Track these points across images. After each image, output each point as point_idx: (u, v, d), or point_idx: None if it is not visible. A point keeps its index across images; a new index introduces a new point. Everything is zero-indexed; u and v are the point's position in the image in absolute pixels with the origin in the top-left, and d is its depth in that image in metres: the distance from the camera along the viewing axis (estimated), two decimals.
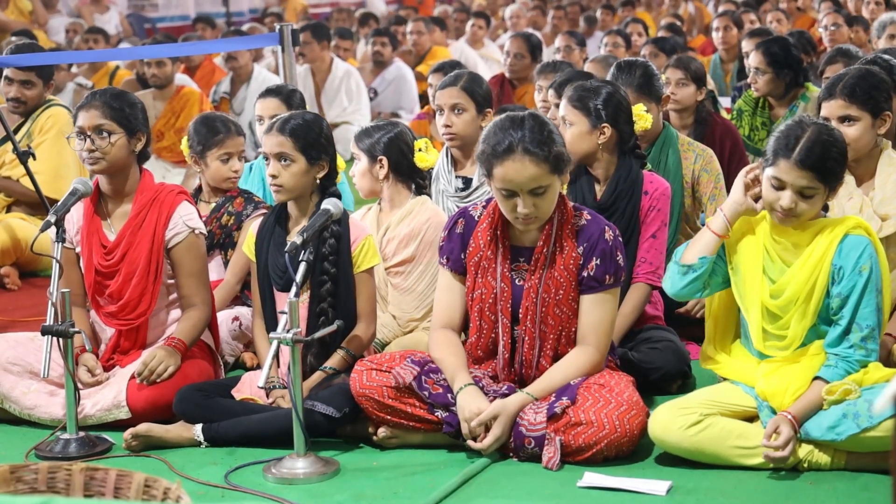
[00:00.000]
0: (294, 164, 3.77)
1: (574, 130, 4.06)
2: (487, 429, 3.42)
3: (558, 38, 8.57)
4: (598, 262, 3.50)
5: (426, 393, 3.51)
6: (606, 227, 3.55)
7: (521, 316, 3.51)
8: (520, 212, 3.43)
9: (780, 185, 3.32)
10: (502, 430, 3.40)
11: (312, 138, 3.79)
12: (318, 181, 3.83)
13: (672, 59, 5.93)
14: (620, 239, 3.57)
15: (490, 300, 3.54)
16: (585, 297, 3.53)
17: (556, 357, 3.54)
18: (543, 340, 3.52)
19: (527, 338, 3.52)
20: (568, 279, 3.51)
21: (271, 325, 3.81)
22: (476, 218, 3.62)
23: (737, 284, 3.44)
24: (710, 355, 3.56)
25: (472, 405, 3.42)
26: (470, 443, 3.43)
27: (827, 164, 3.30)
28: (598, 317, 3.53)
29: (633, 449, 3.43)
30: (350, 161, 7.63)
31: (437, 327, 3.64)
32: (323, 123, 3.89)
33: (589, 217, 3.57)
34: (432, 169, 4.77)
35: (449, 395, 3.50)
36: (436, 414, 3.51)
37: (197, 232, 4.02)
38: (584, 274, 3.51)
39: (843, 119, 3.89)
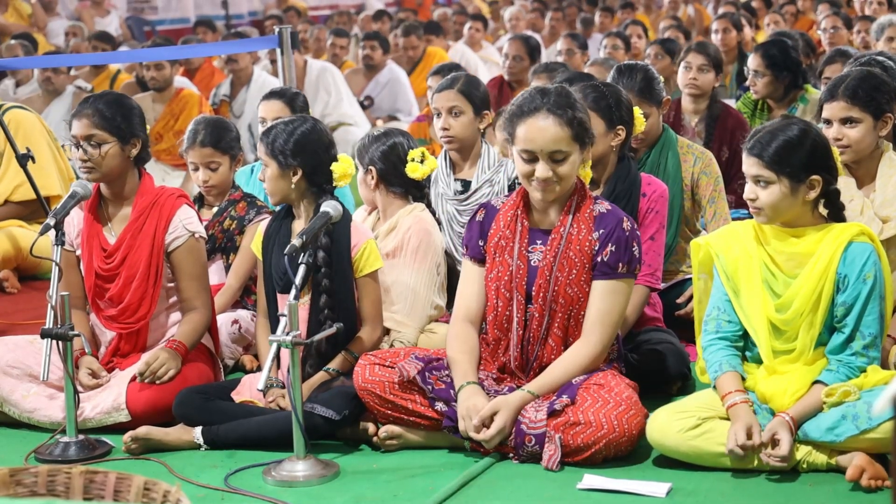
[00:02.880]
0: (268, 168, 3.85)
1: None
2: (486, 427, 3.42)
3: (560, 40, 8.57)
4: (612, 248, 3.53)
5: (429, 387, 3.52)
6: (625, 218, 3.58)
7: (533, 293, 3.53)
8: (538, 176, 3.47)
9: (747, 179, 3.38)
10: (504, 422, 3.41)
11: (279, 146, 3.82)
12: (304, 185, 3.83)
13: (693, 43, 5.96)
14: (638, 232, 3.60)
15: (506, 277, 3.57)
16: (597, 284, 3.55)
17: (564, 336, 3.56)
18: (552, 318, 3.54)
19: (537, 314, 3.54)
20: (582, 260, 3.53)
21: (275, 325, 3.82)
22: (497, 207, 3.66)
23: (740, 307, 3.43)
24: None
25: (469, 401, 3.44)
26: (473, 434, 3.42)
27: (770, 151, 3.30)
28: (606, 307, 3.53)
29: (631, 449, 3.43)
30: None
31: (457, 320, 3.66)
32: (302, 128, 3.86)
33: (609, 207, 3.61)
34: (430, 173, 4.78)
35: (451, 391, 3.52)
36: (436, 408, 3.52)
37: (197, 236, 4.01)
38: (599, 259, 3.53)
39: (846, 121, 3.90)
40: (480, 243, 3.65)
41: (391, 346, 4.14)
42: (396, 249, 4.27)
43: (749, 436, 3.22)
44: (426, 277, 4.26)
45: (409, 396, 3.55)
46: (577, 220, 3.55)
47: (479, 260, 3.66)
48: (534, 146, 3.47)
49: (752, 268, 3.40)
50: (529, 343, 3.57)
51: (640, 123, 4.25)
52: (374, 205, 4.44)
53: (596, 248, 3.54)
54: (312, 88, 9.17)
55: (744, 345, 3.49)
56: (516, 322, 3.56)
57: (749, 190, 3.37)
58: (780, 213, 3.35)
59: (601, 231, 3.54)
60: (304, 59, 9.39)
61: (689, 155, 4.73)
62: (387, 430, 3.60)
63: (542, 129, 3.47)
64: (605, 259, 3.53)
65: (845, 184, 3.94)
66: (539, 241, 3.58)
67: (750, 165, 3.36)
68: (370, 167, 4.34)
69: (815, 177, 3.32)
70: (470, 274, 3.67)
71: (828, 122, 3.95)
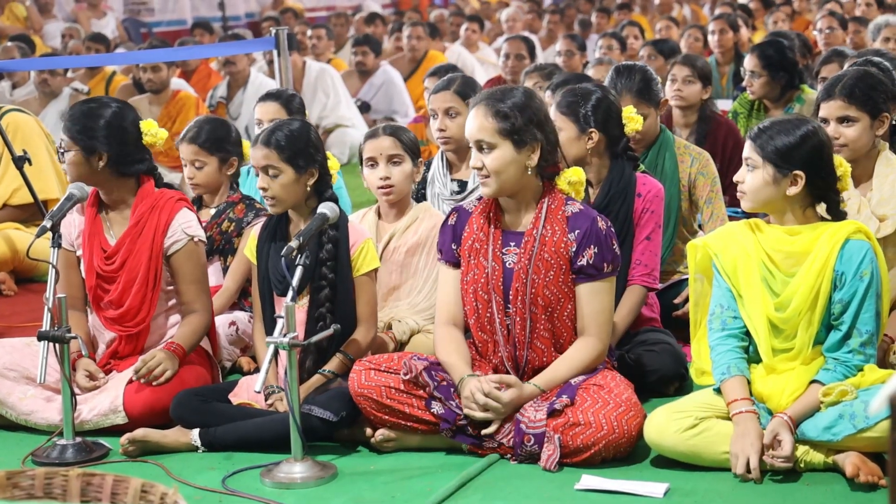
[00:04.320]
0: (282, 175, 3.77)
1: (562, 136, 4.05)
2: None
3: (559, 41, 8.58)
4: (595, 250, 3.54)
5: (435, 383, 3.53)
6: (598, 217, 3.60)
7: (511, 296, 3.54)
8: (471, 164, 3.58)
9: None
10: (511, 398, 3.43)
11: (298, 148, 3.78)
12: (309, 188, 3.82)
13: (679, 56, 5.95)
14: (612, 229, 3.61)
15: (482, 280, 3.58)
16: (584, 287, 3.56)
17: (553, 338, 3.56)
18: (534, 321, 3.55)
19: (518, 318, 3.54)
20: (558, 262, 3.54)
21: (271, 329, 3.82)
22: (469, 210, 3.68)
23: (742, 306, 3.43)
24: (704, 369, 3.55)
25: (472, 384, 3.46)
26: (470, 413, 3.43)
27: (769, 139, 3.33)
28: (597, 306, 3.55)
29: (630, 450, 3.43)
30: (347, 164, 7.60)
31: (440, 324, 3.67)
32: (310, 131, 3.86)
33: (580, 207, 3.62)
34: (427, 174, 4.78)
35: (452, 389, 3.53)
36: (433, 411, 3.52)
37: (196, 239, 4.01)
38: (582, 262, 3.54)
39: (842, 120, 3.90)
40: (454, 247, 3.66)
41: (389, 326, 4.17)
42: (418, 245, 4.26)
43: (760, 456, 3.22)
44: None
45: (406, 400, 3.55)
46: (549, 221, 3.57)
47: (455, 264, 3.67)
48: (468, 135, 3.58)
49: (751, 267, 3.41)
50: (517, 347, 3.57)
51: (635, 122, 4.24)
52: (404, 199, 4.35)
53: (573, 249, 3.54)
54: (311, 90, 9.17)
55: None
56: (499, 323, 3.56)
57: (739, 172, 3.41)
58: (760, 202, 3.37)
59: (576, 232, 3.55)
60: (303, 60, 9.38)
61: (686, 156, 4.73)
62: (382, 432, 3.60)
63: (471, 118, 3.58)
64: (591, 261, 3.54)
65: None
66: (513, 243, 3.59)
67: (745, 148, 3.40)
68: (420, 160, 4.35)
69: (798, 172, 3.33)
70: (447, 278, 3.69)
71: (825, 121, 3.95)
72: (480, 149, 3.54)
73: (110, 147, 3.92)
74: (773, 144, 3.33)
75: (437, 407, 3.54)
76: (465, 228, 3.65)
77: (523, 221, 3.60)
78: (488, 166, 3.53)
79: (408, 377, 3.54)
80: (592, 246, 3.54)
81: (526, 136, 3.53)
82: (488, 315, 3.58)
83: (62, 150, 3.94)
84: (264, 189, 3.79)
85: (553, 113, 4.07)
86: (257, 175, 3.85)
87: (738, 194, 3.42)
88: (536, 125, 3.55)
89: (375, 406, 3.56)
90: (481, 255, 3.60)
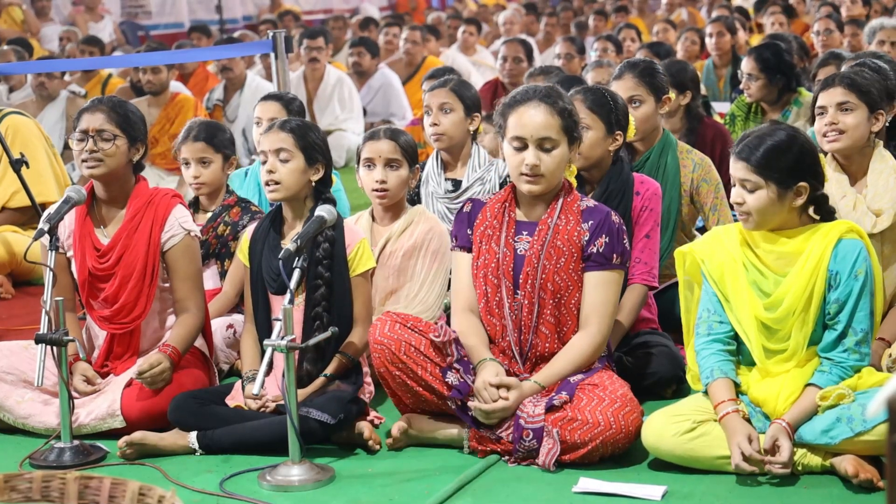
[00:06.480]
0: (292, 160, 3.81)
1: (591, 135, 4.06)
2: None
3: (559, 44, 8.58)
4: (606, 239, 3.59)
5: (458, 355, 3.55)
6: (612, 212, 3.65)
7: (521, 281, 3.57)
8: (527, 162, 3.54)
9: (734, 183, 3.38)
10: (513, 402, 3.47)
11: (311, 139, 3.86)
12: (312, 185, 3.85)
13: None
14: (624, 227, 3.64)
15: (493, 265, 3.62)
16: (591, 275, 3.59)
17: (557, 325, 3.58)
18: (542, 307, 3.57)
19: (526, 302, 3.57)
20: (570, 250, 3.58)
21: (263, 328, 3.83)
22: (484, 201, 3.73)
23: (730, 311, 3.43)
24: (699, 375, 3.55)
25: (493, 369, 3.51)
26: (476, 404, 3.47)
27: (758, 155, 3.31)
28: (602, 298, 3.58)
29: (629, 446, 3.44)
30: (345, 167, 7.61)
31: (458, 311, 3.71)
32: (320, 130, 3.96)
33: (594, 203, 3.68)
34: (421, 174, 4.78)
35: (471, 366, 3.56)
36: (448, 380, 3.53)
37: (192, 234, 4.02)
38: (593, 250, 3.58)
39: (842, 105, 3.91)
40: (468, 232, 3.70)
41: None
42: (414, 248, 4.25)
43: (751, 444, 3.22)
44: (442, 278, 4.25)
45: (422, 363, 3.56)
46: (564, 212, 3.62)
47: (469, 249, 3.71)
48: (524, 132, 3.55)
49: (737, 271, 3.41)
50: (522, 332, 3.59)
51: (632, 130, 4.25)
52: (399, 203, 4.36)
53: (586, 238, 3.58)
54: (326, 97, 9.17)
55: (737, 347, 3.48)
56: (507, 308, 3.59)
57: (736, 194, 3.37)
58: (767, 219, 3.36)
59: (590, 222, 3.60)
60: (325, 64, 9.32)
61: (687, 160, 4.72)
62: (400, 425, 3.60)
63: (533, 115, 3.56)
64: (600, 250, 3.58)
65: (838, 180, 3.96)
66: (525, 232, 3.63)
67: (737, 169, 3.37)
68: (417, 166, 4.35)
69: (802, 184, 3.33)
70: (462, 263, 3.72)
71: (822, 110, 3.95)
72: (543, 147, 3.55)
73: (145, 141, 4.02)
74: (769, 161, 3.31)
75: (452, 377, 3.54)
76: (479, 216, 3.69)
77: (537, 212, 3.64)
78: (549, 166, 3.55)
79: (438, 339, 3.54)
80: (604, 235, 3.58)
81: (573, 126, 3.59)
82: (497, 299, 3.61)
83: (106, 138, 3.90)
84: (271, 172, 3.81)
85: (581, 111, 4.03)
86: (264, 162, 3.86)
87: (739, 217, 3.39)
88: (577, 122, 3.61)
89: (389, 358, 3.56)
90: (493, 241, 3.64)
